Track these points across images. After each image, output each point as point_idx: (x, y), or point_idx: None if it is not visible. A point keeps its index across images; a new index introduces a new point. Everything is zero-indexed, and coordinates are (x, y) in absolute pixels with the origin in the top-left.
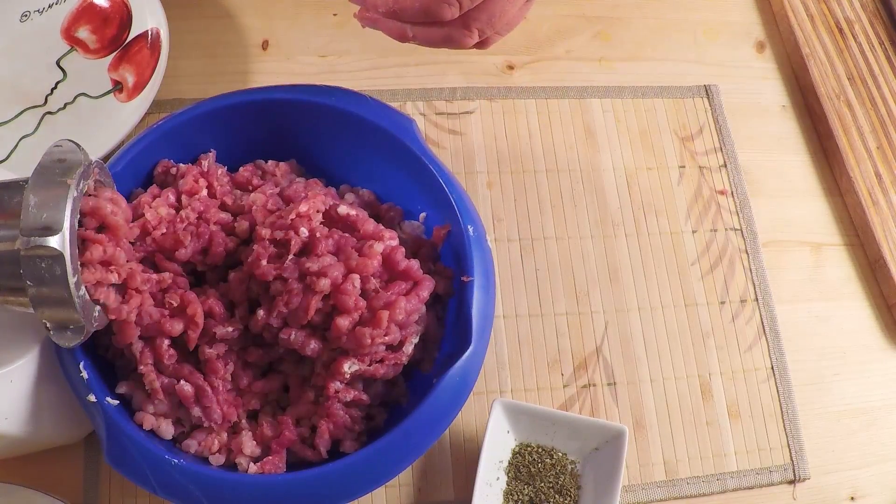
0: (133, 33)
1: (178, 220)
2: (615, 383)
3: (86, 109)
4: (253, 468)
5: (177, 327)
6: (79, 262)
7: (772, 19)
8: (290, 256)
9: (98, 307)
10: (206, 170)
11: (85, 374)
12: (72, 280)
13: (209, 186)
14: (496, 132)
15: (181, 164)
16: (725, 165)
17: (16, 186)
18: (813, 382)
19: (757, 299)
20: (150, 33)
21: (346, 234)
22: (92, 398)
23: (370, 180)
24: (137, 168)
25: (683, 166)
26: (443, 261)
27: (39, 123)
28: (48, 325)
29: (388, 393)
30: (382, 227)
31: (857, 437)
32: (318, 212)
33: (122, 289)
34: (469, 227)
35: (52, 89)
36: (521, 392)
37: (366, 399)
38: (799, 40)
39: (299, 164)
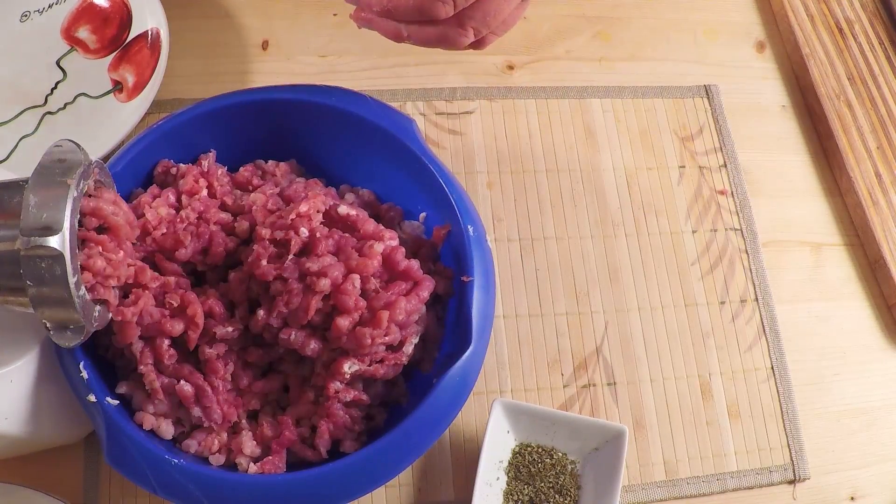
0: (133, 33)
1: (179, 220)
2: (615, 383)
3: (86, 109)
4: (253, 468)
5: (177, 327)
6: (79, 263)
7: (772, 19)
8: (290, 256)
9: (98, 307)
10: (206, 170)
11: (85, 374)
12: (72, 280)
13: (209, 186)
14: (496, 132)
15: (181, 164)
16: (725, 165)
17: (16, 186)
18: (813, 382)
19: (757, 299)
20: (150, 33)
21: (347, 235)
22: (92, 398)
23: (370, 180)
24: (137, 168)
25: (683, 166)
26: (443, 261)
27: (39, 123)
28: (48, 325)
29: (388, 393)
30: (382, 227)
31: (857, 437)
32: (318, 212)
33: (126, 289)
34: (469, 227)
35: (52, 89)
36: (521, 392)
37: (366, 399)
38: (799, 40)
39: (299, 164)
